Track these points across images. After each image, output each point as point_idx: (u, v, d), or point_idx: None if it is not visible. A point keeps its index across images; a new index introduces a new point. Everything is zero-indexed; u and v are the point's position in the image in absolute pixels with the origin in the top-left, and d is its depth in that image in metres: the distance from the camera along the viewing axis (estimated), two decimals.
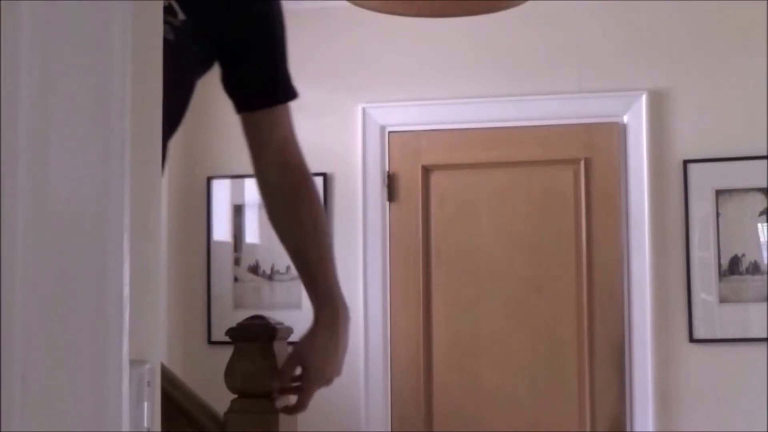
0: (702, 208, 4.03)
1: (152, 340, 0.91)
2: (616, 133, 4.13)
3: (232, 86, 1.93)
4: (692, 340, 4.00)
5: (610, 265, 4.10)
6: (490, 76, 4.23)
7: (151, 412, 0.87)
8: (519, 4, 2.18)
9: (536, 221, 4.18)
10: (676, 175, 4.06)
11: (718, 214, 4.01)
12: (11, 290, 0.71)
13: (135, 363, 0.82)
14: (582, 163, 4.16)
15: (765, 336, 3.93)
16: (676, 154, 4.07)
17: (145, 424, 0.87)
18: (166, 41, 1.68)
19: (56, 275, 0.74)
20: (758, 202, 4.00)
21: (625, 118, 4.12)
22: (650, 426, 3.99)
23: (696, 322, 4.00)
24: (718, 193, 4.02)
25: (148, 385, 0.87)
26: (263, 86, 1.95)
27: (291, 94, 1.97)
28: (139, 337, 0.85)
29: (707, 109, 4.07)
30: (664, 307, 4.03)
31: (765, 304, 3.94)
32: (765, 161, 3.97)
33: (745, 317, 3.98)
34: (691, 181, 4.04)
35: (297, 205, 1.96)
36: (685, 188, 4.04)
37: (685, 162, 4.05)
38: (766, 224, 3.99)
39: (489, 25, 3.69)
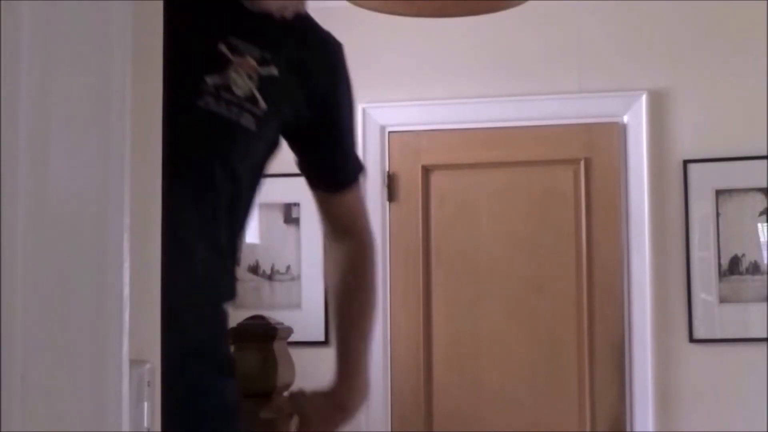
0: (702, 208, 4.03)
1: (152, 340, 0.91)
2: (616, 133, 4.13)
3: (302, 166, 1.89)
4: (692, 340, 4.00)
5: (610, 265, 4.10)
6: (490, 76, 4.23)
7: (151, 412, 0.87)
8: (519, 4, 2.18)
9: (536, 221, 4.18)
10: (676, 175, 4.06)
11: (718, 214, 4.01)
12: (11, 290, 0.71)
13: (135, 363, 0.82)
14: (582, 163, 4.16)
15: (765, 336, 3.93)
16: (676, 154, 4.07)
17: (145, 424, 0.87)
18: (248, 132, 1.64)
19: (56, 275, 0.74)
20: (758, 202, 4.00)
21: (625, 118, 4.12)
22: (650, 426, 3.99)
23: (696, 322, 4.00)
24: (718, 193, 4.02)
25: (148, 385, 0.87)
26: (334, 171, 1.91)
27: (359, 171, 1.94)
28: (139, 337, 0.85)
29: (707, 109, 4.07)
30: (664, 307, 4.03)
31: (765, 304, 3.94)
32: (765, 161, 3.97)
33: (745, 317, 3.98)
34: (691, 181, 4.04)
35: (354, 285, 1.95)
36: (685, 188, 4.04)
37: (685, 162, 4.05)
38: (766, 224, 3.99)
39: (489, 25, 3.69)
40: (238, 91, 1.64)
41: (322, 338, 4.15)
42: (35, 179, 0.73)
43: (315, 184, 1.91)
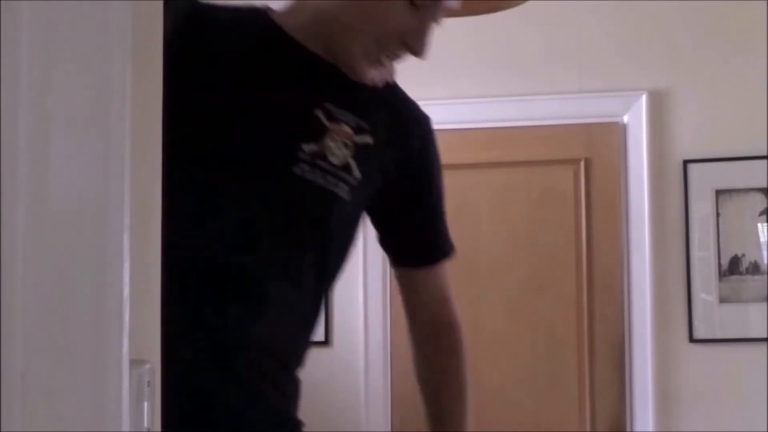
0: (702, 208, 4.03)
1: (152, 340, 0.91)
2: (616, 133, 4.13)
3: (387, 243, 1.86)
4: (692, 340, 4.00)
5: (610, 265, 4.10)
6: (490, 76, 4.23)
7: (151, 412, 0.87)
8: (519, 4, 2.19)
9: (536, 221, 4.18)
10: (676, 175, 4.06)
11: (718, 214, 4.01)
12: (11, 290, 0.71)
13: (135, 363, 0.82)
14: (582, 163, 4.16)
15: (765, 336, 3.93)
16: (676, 154, 4.07)
17: (145, 424, 0.87)
18: (342, 201, 1.65)
19: (56, 275, 0.74)
20: (758, 202, 4.00)
21: (625, 118, 4.12)
22: (650, 426, 3.99)
23: (696, 322, 4.00)
24: (718, 193, 4.02)
25: (148, 385, 0.87)
26: (421, 248, 1.88)
27: (449, 251, 1.90)
28: (139, 337, 0.85)
29: (707, 109, 4.07)
30: (664, 307, 4.03)
31: (765, 304, 3.94)
32: (765, 161, 3.97)
33: (745, 317, 3.98)
34: (691, 181, 4.04)
35: (446, 372, 1.94)
36: (685, 188, 4.04)
37: (685, 162, 4.05)
38: (766, 224, 3.99)
39: (489, 25, 3.69)
40: (334, 160, 1.62)
41: (322, 338, 4.15)
42: (35, 179, 0.73)
43: (401, 259, 1.87)
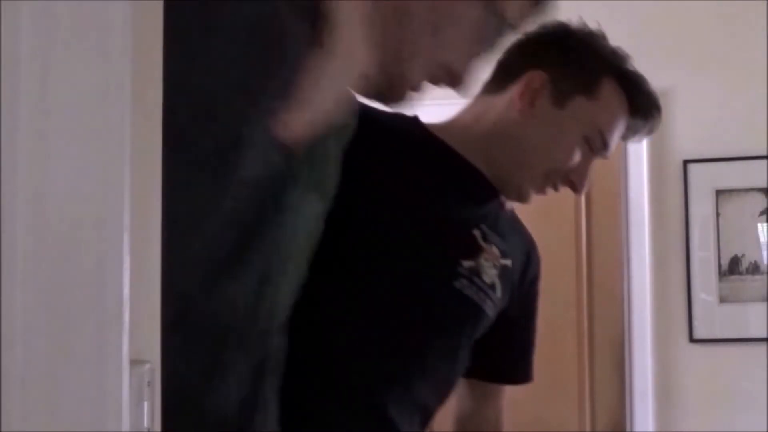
0: (702, 208, 4.03)
1: (152, 340, 0.91)
2: None
3: (474, 352, 1.90)
4: (692, 340, 4.00)
5: (610, 265, 4.10)
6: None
7: (151, 412, 0.87)
8: None
9: (536, 222, 4.17)
10: (676, 175, 4.06)
11: (718, 214, 4.01)
12: (11, 290, 0.71)
13: (135, 363, 0.82)
14: None
15: (765, 336, 3.93)
16: (676, 154, 4.07)
17: (145, 424, 0.86)
18: (486, 318, 1.71)
19: (56, 275, 0.74)
20: (758, 202, 4.00)
21: None
22: (650, 426, 3.99)
23: (696, 322, 3.99)
24: (718, 193, 4.02)
25: (148, 385, 0.87)
26: (508, 365, 1.98)
27: (529, 376, 2.00)
28: (139, 337, 0.84)
29: (707, 109, 4.07)
30: (664, 307, 4.03)
31: (765, 304, 3.94)
32: (765, 161, 3.97)
33: (745, 317, 3.98)
34: (691, 181, 4.04)
35: None
36: (685, 188, 4.04)
37: (685, 162, 4.05)
38: (766, 224, 3.99)
39: None
40: (486, 278, 1.70)
41: None
42: (35, 179, 0.73)
43: (479, 369, 1.91)
